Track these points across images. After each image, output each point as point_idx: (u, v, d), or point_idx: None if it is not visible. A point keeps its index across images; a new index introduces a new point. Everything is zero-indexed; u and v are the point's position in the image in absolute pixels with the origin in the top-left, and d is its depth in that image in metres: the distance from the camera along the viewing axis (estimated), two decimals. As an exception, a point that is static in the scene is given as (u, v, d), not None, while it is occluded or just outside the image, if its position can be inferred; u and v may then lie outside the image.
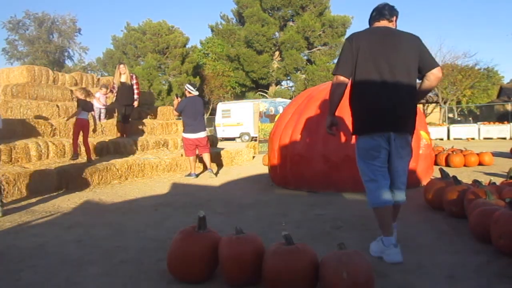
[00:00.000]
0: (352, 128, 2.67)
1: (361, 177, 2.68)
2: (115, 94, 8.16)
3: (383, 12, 2.62)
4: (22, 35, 37.56)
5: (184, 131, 6.97)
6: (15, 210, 4.30)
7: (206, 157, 7.12)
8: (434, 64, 2.53)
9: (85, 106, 6.50)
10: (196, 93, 7.16)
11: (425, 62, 2.53)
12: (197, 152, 7.11)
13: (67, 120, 6.97)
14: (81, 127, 6.40)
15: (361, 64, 2.51)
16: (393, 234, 2.51)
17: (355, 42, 2.54)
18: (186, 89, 7.16)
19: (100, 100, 7.95)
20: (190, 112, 6.91)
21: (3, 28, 37.32)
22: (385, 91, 2.47)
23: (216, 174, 7.34)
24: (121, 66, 8.05)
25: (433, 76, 2.52)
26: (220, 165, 8.65)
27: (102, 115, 8.15)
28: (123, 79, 7.92)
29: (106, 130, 8.10)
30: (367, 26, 2.75)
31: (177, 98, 7.44)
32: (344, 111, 5.06)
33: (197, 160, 7.37)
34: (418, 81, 2.65)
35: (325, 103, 5.22)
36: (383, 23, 2.63)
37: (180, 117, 7.22)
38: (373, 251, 2.62)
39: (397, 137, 2.52)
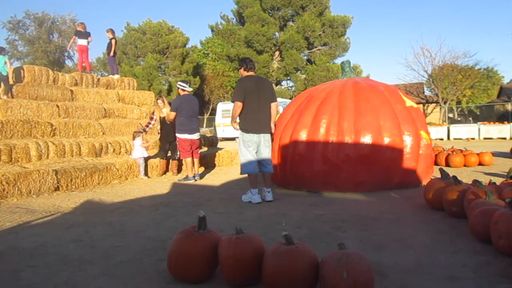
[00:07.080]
0: (240, 127, 4.57)
1: (239, 156, 4.69)
2: (159, 131, 7.36)
3: (252, 66, 4.72)
4: (22, 35, 37.55)
5: (178, 131, 6.50)
6: (15, 210, 4.30)
7: (195, 162, 6.79)
8: (274, 100, 4.69)
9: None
10: (190, 89, 6.77)
11: (272, 97, 4.68)
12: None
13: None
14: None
15: (247, 95, 4.48)
16: (257, 187, 4.51)
17: (244, 83, 4.54)
18: (179, 87, 6.77)
19: (141, 147, 7.02)
20: (186, 111, 6.45)
21: (3, 28, 37.42)
22: (258, 110, 4.51)
23: (201, 176, 6.96)
24: (159, 101, 7.26)
25: (273, 105, 4.66)
26: (219, 165, 8.66)
27: (145, 153, 7.14)
28: (164, 113, 7.04)
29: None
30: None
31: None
32: (346, 113, 5.08)
33: (194, 162, 6.83)
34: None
35: (325, 103, 5.22)
36: (252, 72, 4.70)
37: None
38: (244, 199, 4.58)
39: (265, 135, 4.59)
